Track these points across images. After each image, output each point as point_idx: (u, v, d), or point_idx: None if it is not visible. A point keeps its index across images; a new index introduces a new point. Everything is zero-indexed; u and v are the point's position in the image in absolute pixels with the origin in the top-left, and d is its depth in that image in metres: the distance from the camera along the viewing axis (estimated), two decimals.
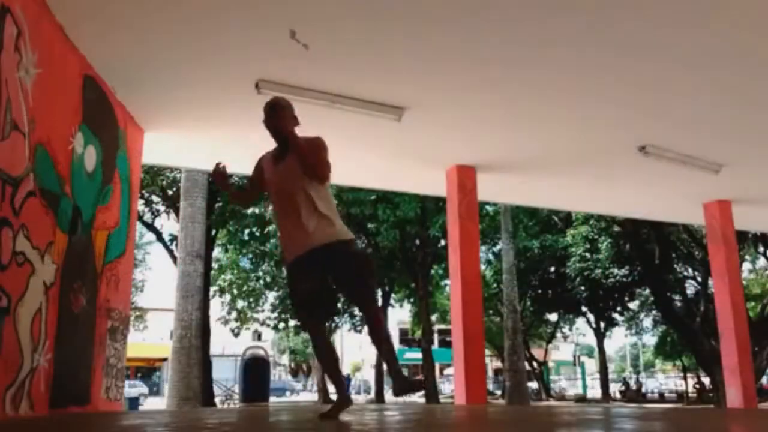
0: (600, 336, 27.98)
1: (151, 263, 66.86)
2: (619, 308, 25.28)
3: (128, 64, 4.83)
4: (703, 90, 5.41)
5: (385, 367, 3.49)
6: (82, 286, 4.47)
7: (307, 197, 3.20)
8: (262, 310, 21.23)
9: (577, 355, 40.58)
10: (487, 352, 28.28)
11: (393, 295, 23.38)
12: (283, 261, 3.51)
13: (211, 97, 5.48)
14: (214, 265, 17.94)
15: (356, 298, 3.41)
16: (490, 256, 23.54)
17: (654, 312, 25.90)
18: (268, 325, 22.55)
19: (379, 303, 3.42)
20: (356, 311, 25.82)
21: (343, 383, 3.42)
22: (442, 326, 32.77)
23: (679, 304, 20.07)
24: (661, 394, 32.12)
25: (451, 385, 29.42)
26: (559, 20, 4.31)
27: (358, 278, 3.22)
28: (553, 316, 28.48)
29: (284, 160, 3.31)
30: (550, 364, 38.60)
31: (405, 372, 3.28)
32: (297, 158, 3.22)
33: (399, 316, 34.20)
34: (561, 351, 46.37)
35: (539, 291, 24.06)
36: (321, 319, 3.43)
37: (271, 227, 15.57)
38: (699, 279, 19.29)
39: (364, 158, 7.11)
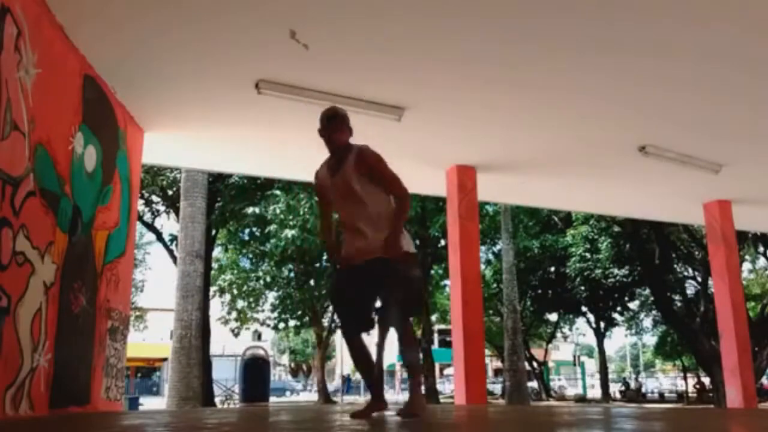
0: (600, 336, 27.98)
1: (151, 263, 67.02)
2: (619, 308, 25.29)
3: (128, 64, 4.83)
4: (703, 90, 5.41)
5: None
6: (82, 286, 4.47)
7: (365, 207, 3.22)
8: (262, 310, 21.23)
9: (577, 355, 40.57)
10: (487, 352, 28.30)
11: None
12: (335, 261, 3.49)
13: (211, 97, 5.48)
14: (214, 265, 17.94)
15: (383, 315, 3.28)
16: (490, 256, 23.55)
17: (654, 312, 25.92)
18: (268, 325, 22.55)
19: (408, 328, 3.36)
20: None
21: (376, 386, 3.39)
22: (442, 326, 32.76)
23: (679, 304, 20.08)
24: (661, 394, 32.13)
25: (451, 385, 29.42)
26: (559, 20, 4.31)
27: (389, 295, 3.19)
28: (553, 316, 28.49)
29: (341, 171, 3.29)
30: (550, 364, 38.60)
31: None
32: (357, 170, 3.24)
33: None
34: (561, 351, 46.37)
35: (539, 291, 24.07)
36: (356, 331, 3.36)
37: (272, 227, 15.56)
38: (699, 279, 19.29)
39: None
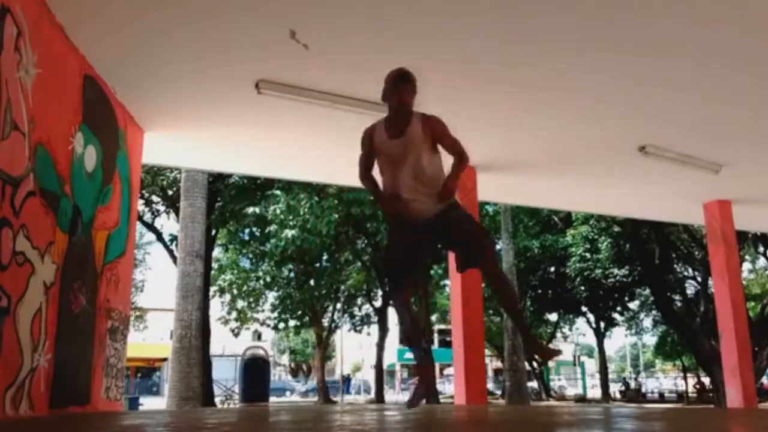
0: (600, 336, 27.98)
1: (151, 263, 67.04)
2: (619, 308, 25.29)
3: (128, 64, 4.83)
4: (703, 90, 5.41)
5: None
6: (82, 286, 4.47)
7: (424, 171, 3.26)
8: (262, 310, 21.24)
9: (577, 355, 40.59)
10: (487, 352, 28.27)
11: None
12: (388, 216, 3.53)
13: (211, 97, 5.48)
14: (214, 265, 17.94)
15: (475, 256, 3.33)
16: None
17: (654, 312, 25.91)
18: (268, 325, 22.56)
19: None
20: (356, 311, 25.87)
21: (423, 354, 3.49)
22: (442, 326, 32.75)
23: (679, 304, 20.08)
24: (661, 394, 32.14)
25: (451, 385, 29.43)
26: (559, 20, 4.31)
27: (469, 235, 3.30)
28: (553, 316, 28.49)
29: (405, 136, 3.27)
30: (550, 364, 38.58)
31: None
32: (424, 136, 3.25)
33: None
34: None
35: (539, 291, 24.07)
36: (410, 283, 3.45)
37: (272, 227, 15.56)
38: (699, 279, 19.29)
39: None
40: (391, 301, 3.67)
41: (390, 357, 37.25)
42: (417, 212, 3.28)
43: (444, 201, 3.24)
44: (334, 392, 28.68)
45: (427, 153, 3.28)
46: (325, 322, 24.03)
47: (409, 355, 38.36)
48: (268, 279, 19.04)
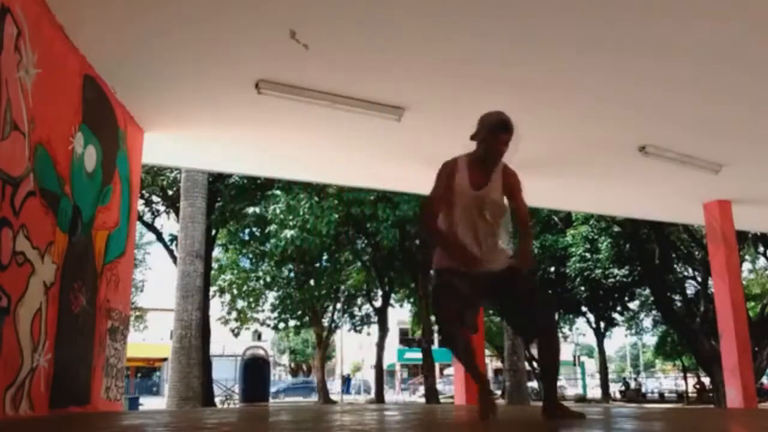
0: (600, 336, 27.98)
1: (151, 263, 67.07)
2: (619, 308, 25.29)
3: (128, 64, 4.83)
4: (703, 90, 5.41)
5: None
6: (82, 286, 4.47)
7: (497, 222, 3.21)
8: (262, 310, 21.25)
9: (577, 355, 40.59)
10: (487, 352, 28.29)
11: (393, 295, 23.39)
12: (440, 263, 3.28)
13: (211, 97, 5.48)
14: (214, 265, 17.95)
15: (533, 322, 3.20)
16: None
17: (654, 312, 25.91)
18: (268, 325, 22.57)
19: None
20: (356, 311, 25.86)
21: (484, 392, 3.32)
22: None
23: (679, 304, 20.08)
24: (661, 394, 32.15)
25: (451, 385, 29.42)
26: (559, 20, 4.31)
27: (537, 298, 3.22)
28: None
29: (488, 186, 3.22)
30: None
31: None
32: (503, 189, 3.24)
33: (399, 316, 34.20)
34: (561, 351, 46.39)
35: None
36: (465, 331, 3.31)
37: (272, 227, 15.58)
38: (699, 279, 19.30)
39: (364, 158, 7.11)
40: (449, 348, 3.51)
41: (390, 357, 37.27)
42: (486, 263, 3.13)
43: (528, 266, 3.18)
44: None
45: (501, 207, 3.24)
46: (325, 322, 24.04)
47: (409, 355, 38.43)
48: (268, 279, 19.05)
